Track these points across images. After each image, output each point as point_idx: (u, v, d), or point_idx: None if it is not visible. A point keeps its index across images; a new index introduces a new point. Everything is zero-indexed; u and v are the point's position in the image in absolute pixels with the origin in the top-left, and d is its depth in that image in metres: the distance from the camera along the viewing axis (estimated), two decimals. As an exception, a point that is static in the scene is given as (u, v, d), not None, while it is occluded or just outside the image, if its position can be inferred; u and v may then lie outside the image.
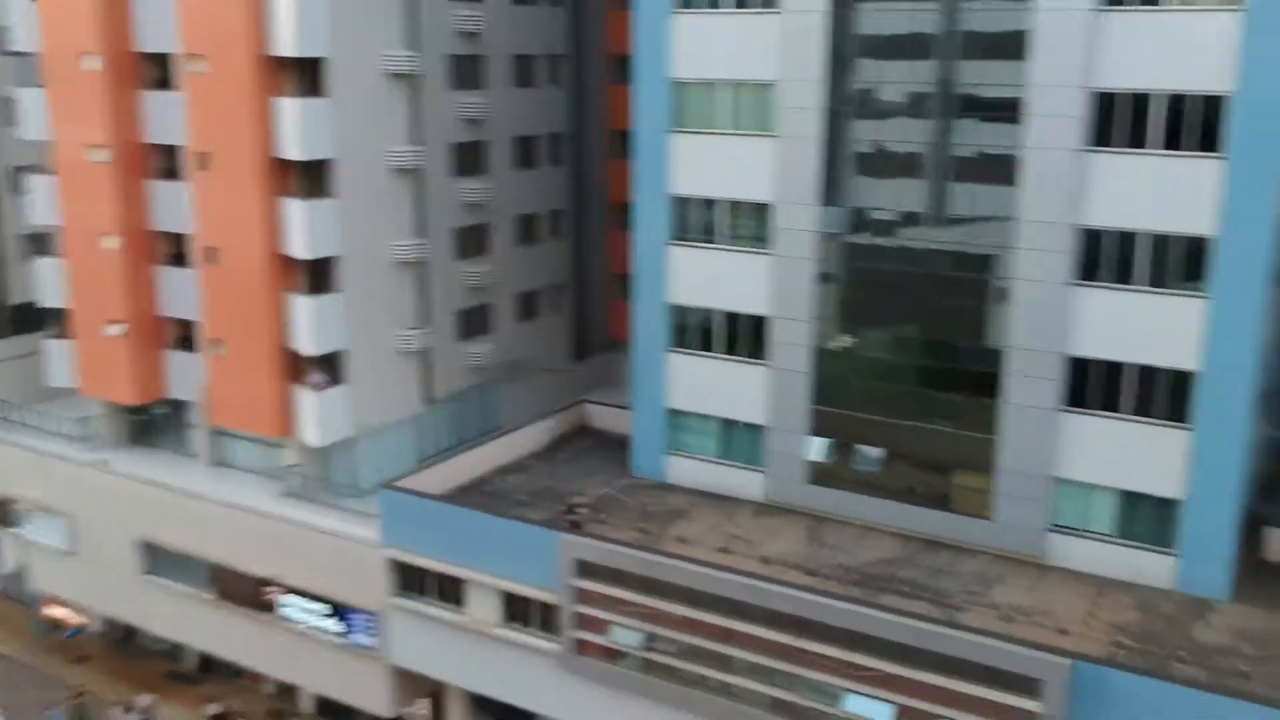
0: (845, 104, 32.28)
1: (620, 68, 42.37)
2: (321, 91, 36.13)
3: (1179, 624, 28.69)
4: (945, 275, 31.75)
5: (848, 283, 33.30)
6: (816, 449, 34.57)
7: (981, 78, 30.53)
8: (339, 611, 36.38)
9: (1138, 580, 30.53)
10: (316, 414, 37.72)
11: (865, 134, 32.22)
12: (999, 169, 30.37)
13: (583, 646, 31.85)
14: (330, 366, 38.13)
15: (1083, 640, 27.80)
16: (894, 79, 31.67)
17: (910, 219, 32.07)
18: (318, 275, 37.47)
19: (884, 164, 32.16)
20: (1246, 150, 27.41)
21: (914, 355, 32.85)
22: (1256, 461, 32.55)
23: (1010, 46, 29.70)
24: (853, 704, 27.92)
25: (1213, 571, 29.79)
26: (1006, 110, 29.97)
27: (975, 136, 30.80)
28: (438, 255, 40.88)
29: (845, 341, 33.76)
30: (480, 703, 36.78)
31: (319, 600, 36.65)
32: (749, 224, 34.32)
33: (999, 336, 31.16)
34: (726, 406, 35.90)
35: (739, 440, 36.04)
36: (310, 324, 37.08)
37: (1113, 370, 30.03)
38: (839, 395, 33.96)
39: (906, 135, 31.56)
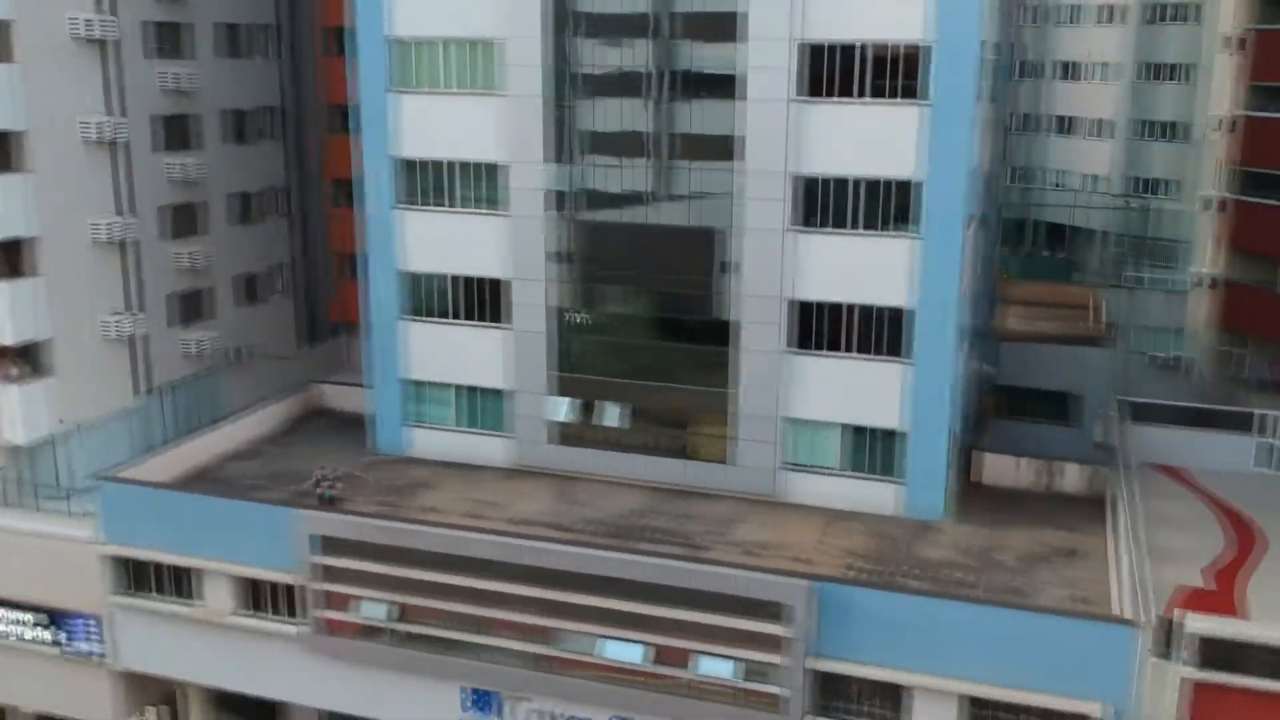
0: (571, 61, 32.44)
1: (337, 40, 41.03)
2: (2, 56, 33.09)
3: (906, 545, 30.52)
4: (675, 230, 32.48)
5: (583, 243, 33.51)
6: (561, 410, 34.61)
7: (697, 30, 31.43)
8: (54, 619, 33.41)
9: (867, 510, 32.26)
10: (17, 409, 34.52)
11: (592, 91, 32.52)
12: (720, 121, 31.33)
13: (330, 626, 30.58)
14: (31, 357, 34.98)
15: (820, 567, 29.10)
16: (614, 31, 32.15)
17: (640, 176, 32.59)
18: (11, 258, 34.29)
19: (612, 120, 32.54)
20: (945, 97, 29.42)
21: (649, 309, 33.45)
22: (967, 394, 35.11)
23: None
24: (610, 649, 28.09)
25: (933, 496, 31.86)
26: (725, 70, 30.99)
27: (697, 90, 31.66)
28: (147, 235, 38.28)
29: (583, 302, 33.96)
30: (224, 702, 34.70)
31: (31, 610, 33.53)
32: (480, 185, 33.97)
33: (729, 286, 32.14)
34: (467, 373, 35.41)
35: (482, 407, 35.63)
36: (4, 311, 33.87)
37: (835, 312, 31.56)
38: (580, 356, 34.14)
39: (629, 87, 32.12)
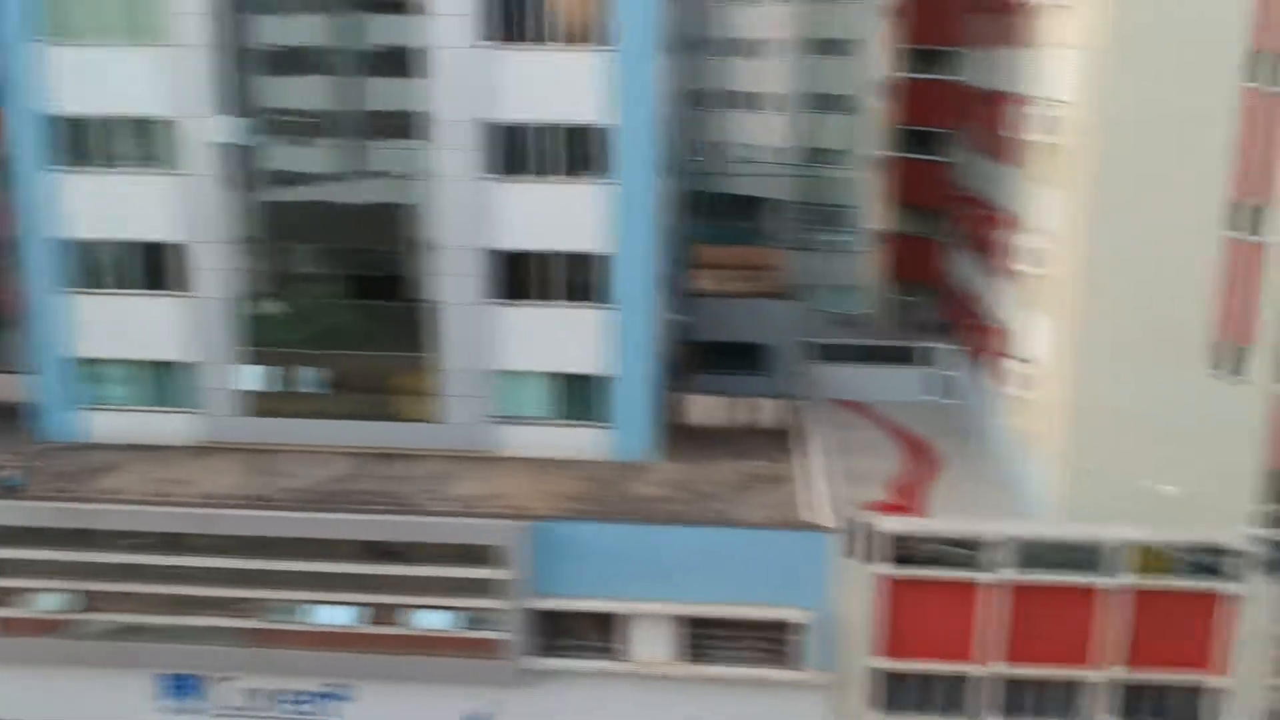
0: (239, 6, 30.74)
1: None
2: None
3: (618, 485, 30.95)
4: (364, 184, 31.50)
5: (266, 204, 31.87)
6: (250, 380, 32.80)
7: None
8: None
9: (579, 457, 32.48)
10: None
11: (268, 32, 30.98)
12: (406, 63, 30.65)
13: (6, 626, 27.63)
14: None
15: (535, 512, 29.01)
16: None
17: (322, 127, 31.38)
18: None
19: (291, 62, 31.17)
20: (630, 43, 29.96)
21: (341, 268, 32.29)
22: (667, 341, 36.07)
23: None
24: (322, 615, 26.90)
25: (641, 439, 32.50)
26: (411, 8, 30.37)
27: (381, 31, 30.85)
28: None
29: (269, 265, 32.31)
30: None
31: None
32: (147, 143, 31.61)
33: (425, 238, 31.50)
34: (145, 348, 32.92)
35: (165, 382, 33.22)
36: None
37: (534, 260, 31.57)
38: (271, 322, 32.49)
39: (312, 31, 30.85)
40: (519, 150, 30.89)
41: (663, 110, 31.80)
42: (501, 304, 31.77)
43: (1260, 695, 25.79)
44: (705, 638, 26.94)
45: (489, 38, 30.23)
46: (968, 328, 36.19)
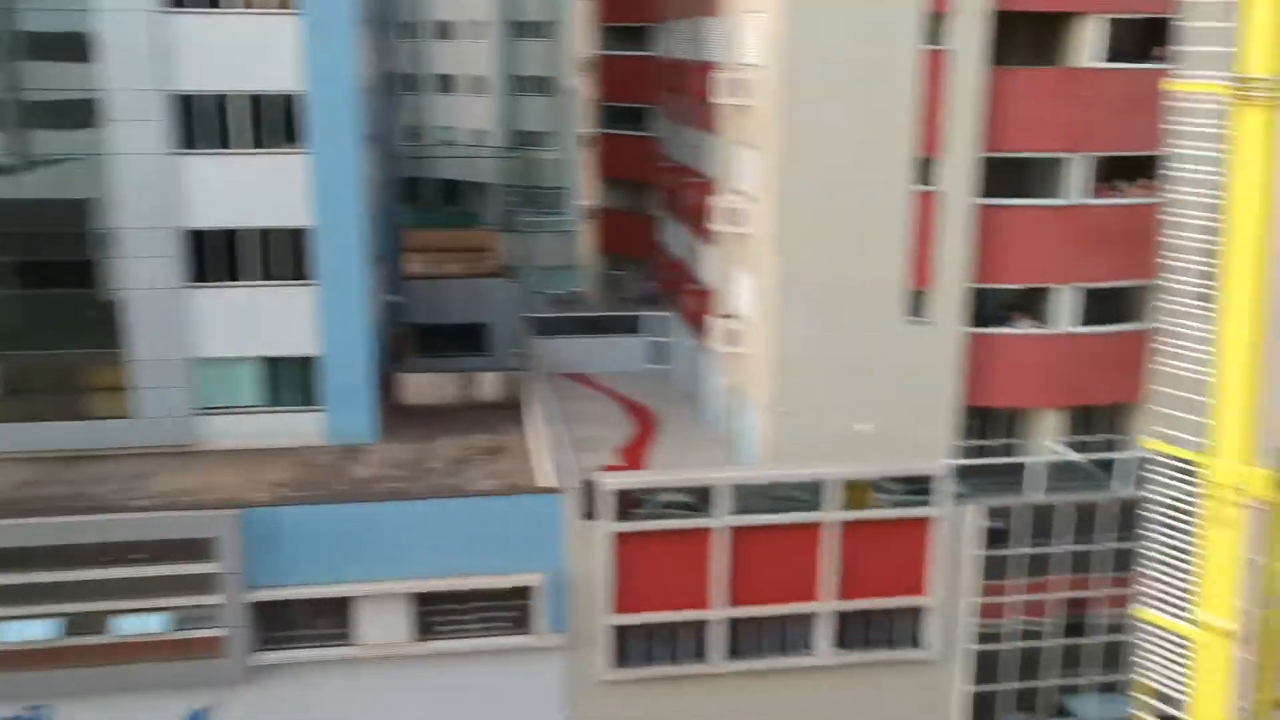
0: None
1: None
2: None
3: (337, 469, 29.79)
4: (36, 166, 28.81)
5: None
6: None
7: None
8: None
9: (294, 443, 31.02)
10: None
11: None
12: (75, 40, 28.25)
13: None
14: None
15: (247, 501, 27.49)
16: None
17: (-19, 102, 28.47)
18: None
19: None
20: (323, 8, 28.77)
21: (14, 257, 29.42)
22: (381, 320, 35.03)
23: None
24: (12, 632, 24.44)
25: (359, 420, 31.39)
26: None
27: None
28: None
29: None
30: None
31: None
32: None
33: (107, 222, 29.15)
34: None
35: None
36: None
37: (233, 238, 29.86)
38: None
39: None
40: (207, 122, 29.09)
41: (362, 80, 30.78)
42: (198, 287, 29.87)
43: (961, 611, 27.80)
44: (442, 613, 26.36)
45: (166, 3, 28.28)
46: (680, 293, 37.14)
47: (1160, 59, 28.76)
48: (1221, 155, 16.96)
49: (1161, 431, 18.78)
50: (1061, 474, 29.10)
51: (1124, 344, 30.24)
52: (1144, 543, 19.21)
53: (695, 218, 35.93)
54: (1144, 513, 19.14)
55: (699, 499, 26.39)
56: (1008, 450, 31.23)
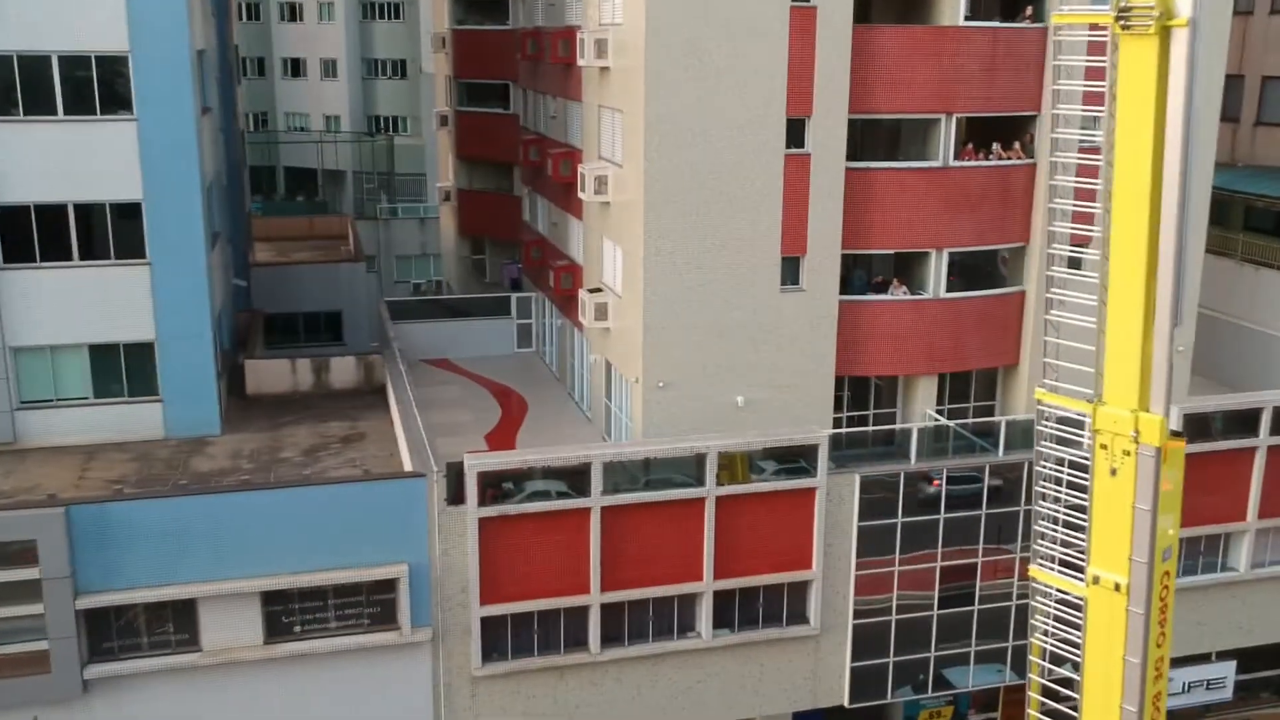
0: None
1: None
2: None
3: (178, 462, 27.47)
4: None
5: None
6: None
7: None
8: None
9: (131, 437, 28.51)
10: None
11: None
12: None
13: None
14: None
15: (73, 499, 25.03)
16: None
17: None
18: None
19: None
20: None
21: None
22: (226, 306, 32.65)
23: None
24: None
25: (202, 410, 29.03)
26: None
27: None
28: None
29: None
30: None
31: None
32: None
33: (-92, 197, 26.28)
34: None
35: None
36: None
37: (49, 214, 27.18)
38: None
39: None
40: (18, 85, 26.38)
41: (197, 44, 28.43)
42: (12, 269, 27.14)
43: (843, 584, 27.03)
44: (298, 613, 24.37)
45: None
46: (547, 272, 35.70)
47: (1028, 18, 28.55)
48: (1107, 92, 16.27)
49: (1051, 383, 18.10)
50: (938, 442, 28.61)
51: (996, 308, 29.97)
52: (1036, 501, 18.52)
53: (560, 190, 34.53)
54: (1037, 468, 18.43)
55: (571, 480, 24.96)
56: (883, 420, 30.71)
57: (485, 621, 25.07)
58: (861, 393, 30.78)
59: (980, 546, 27.81)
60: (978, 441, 28.12)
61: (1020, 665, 28.38)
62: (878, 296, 29.43)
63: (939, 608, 27.92)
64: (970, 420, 29.59)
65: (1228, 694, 31.19)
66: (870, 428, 28.79)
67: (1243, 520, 29.55)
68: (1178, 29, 14.97)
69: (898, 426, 28.47)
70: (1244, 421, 28.99)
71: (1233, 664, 31.19)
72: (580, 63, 29.79)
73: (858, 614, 27.39)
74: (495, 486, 24.82)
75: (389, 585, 24.40)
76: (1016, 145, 29.48)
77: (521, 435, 31.89)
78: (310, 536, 23.93)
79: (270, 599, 23.94)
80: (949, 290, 29.46)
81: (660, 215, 26.93)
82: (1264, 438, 28.85)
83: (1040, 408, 18.35)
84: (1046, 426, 18.35)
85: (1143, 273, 16.34)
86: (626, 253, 28.52)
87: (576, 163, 31.95)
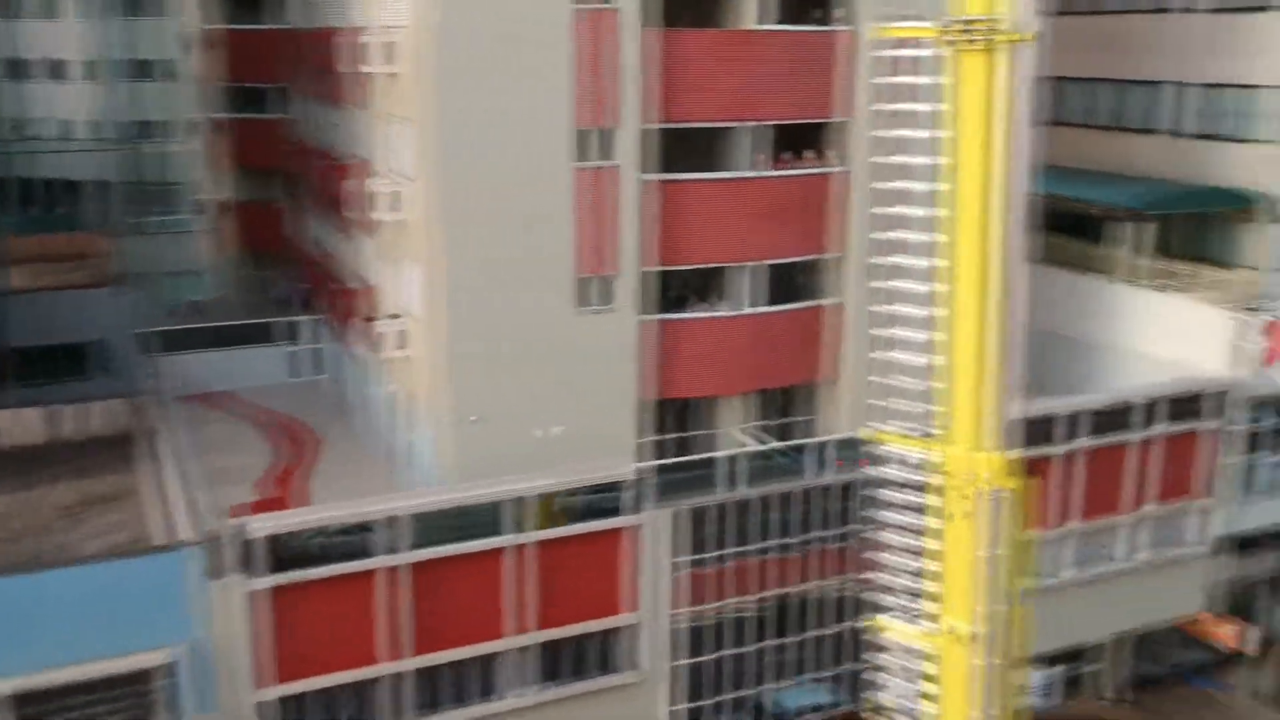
0: None
1: None
2: None
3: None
4: None
5: None
6: None
7: None
8: None
9: None
10: None
11: None
12: None
13: None
14: None
15: None
16: None
17: None
18: None
19: None
20: None
21: None
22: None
23: None
24: None
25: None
26: None
27: None
28: None
29: None
30: None
31: None
32: None
33: None
34: None
35: None
36: None
37: None
38: None
39: None
40: None
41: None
42: None
43: (666, 622, 25.48)
44: (60, 711, 20.84)
45: None
46: (332, 293, 32.78)
47: (824, 20, 27.59)
48: (936, 109, 15.02)
49: (883, 422, 16.83)
50: (756, 465, 27.37)
51: (811, 322, 29.01)
52: (875, 547, 17.26)
53: (343, 206, 31.65)
54: (877, 515, 17.16)
55: (365, 531, 22.40)
56: (698, 443, 29.32)
57: (279, 703, 22.23)
58: (677, 414, 29.30)
59: (806, 563, 26.74)
60: (800, 461, 27.00)
61: (855, 689, 27.59)
62: (687, 314, 27.98)
63: (767, 636, 26.73)
64: (791, 443, 28.37)
65: (1056, 699, 31.29)
66: (684, 458, 27.26)
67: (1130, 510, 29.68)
68: (1017, 45, 13.85)
69: (717, 454, 27.06)
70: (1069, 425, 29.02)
71: (1060, 669, 31.24)
72: (364, 69, 27.06)
73: (681, 653, 25.85)
74: (278, 548, 21.98)
75: (162, 672, 21.23)
76: (824, 152, 28.54)
77: (310, 481, 28.99)
78: (63, 625, 20.52)
79: (24, 701, 20.36)
80: (762, 304, 28.29)
81: (456, 235, 24.67)
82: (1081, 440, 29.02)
83: (872, 449, 17.10)
84: (881, 466, 17.13)
85: (981, 297, 15.24)
86: (421, 275, 26.08)
87: (364, 177, 29.20)
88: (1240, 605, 34.39)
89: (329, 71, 31.45)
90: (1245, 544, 32.26)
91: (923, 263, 15.92)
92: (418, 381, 26.97)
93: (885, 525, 17.09)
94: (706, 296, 28.28)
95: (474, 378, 25.19)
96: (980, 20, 13.84)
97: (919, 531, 16.73)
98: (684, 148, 28.00)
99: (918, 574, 16.75)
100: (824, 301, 29.09)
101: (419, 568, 22.63)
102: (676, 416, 29.23)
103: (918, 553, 16.75)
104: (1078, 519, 29.21)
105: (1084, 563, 29.78)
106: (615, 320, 26.63)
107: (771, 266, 28.36)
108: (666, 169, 26.83)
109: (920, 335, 16.00)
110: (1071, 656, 31.79)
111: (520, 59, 24.32)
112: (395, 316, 27.64)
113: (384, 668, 22.90)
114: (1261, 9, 32.21)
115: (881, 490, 16.97)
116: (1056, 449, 28.36)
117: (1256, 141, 33.09)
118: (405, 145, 26.27)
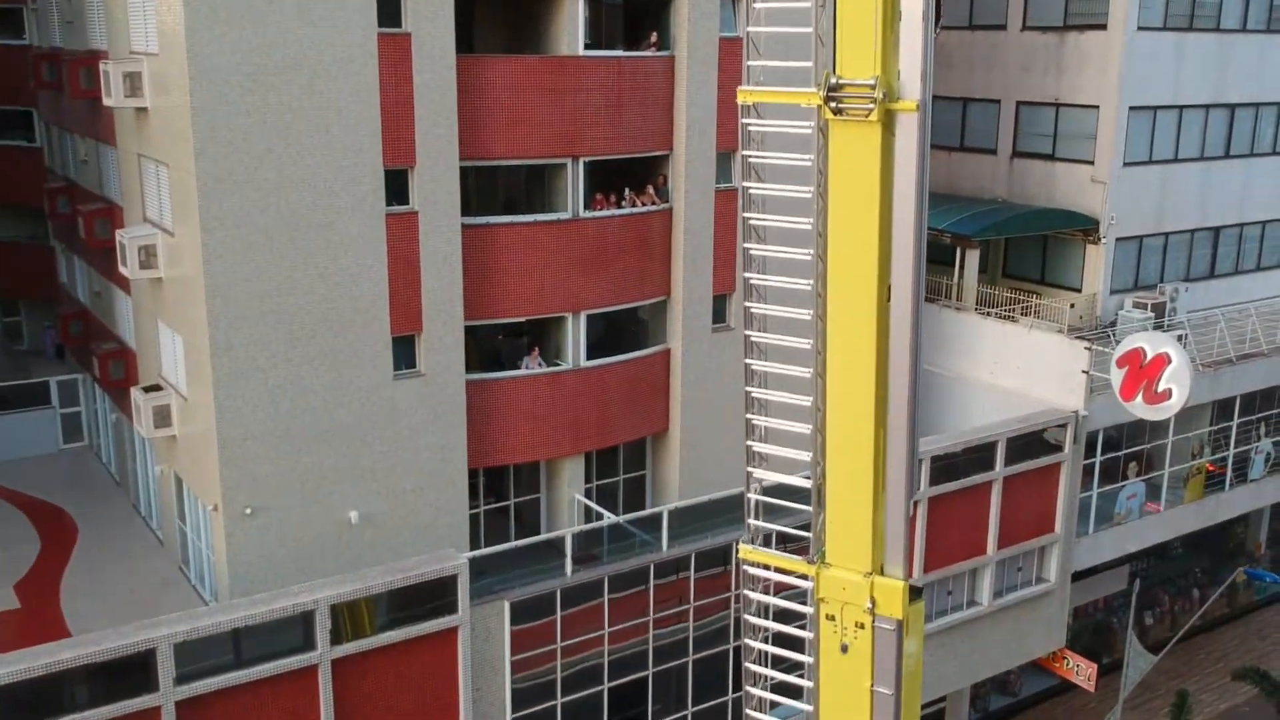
0: None
1: None
2: None
3: None
4: None
5: None
6: None
7: None
8: None
9: None
10: None
11: None
12: None
13: None
14: None
15: None
16: None
17: None
18: None
19: None
20: None
21: None
22: None
23: None
24: None
25: None
26: None
27: None
28: None
29: None
30: None
31: None
32: None
33: None
34: None
35: None
36: None
37: None
38: None
39: None
40: None
41: None
42: None
43: (504, 732, 22.38)
44: None
45: None
46: (94, 351, 28.29)
47: (655, 46, 25.01)
48: (812, 171, 12.42)
49: (758, 537, 14.19)
50: (596, 538, 24.56)
51: (643, 372, 26.40)
52: (746, 681, 14.56)
53: (101, 255, 27.28)
54: (745, 642, 14.46)
55: (128, 667, 18.45)
56: (529, 508, 26.32)
57: None
58: (498, 482, 26.23)
59: (650, 649, 24.05)
60: (639, 535, 24.27)
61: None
62: (509, 373, 24.93)
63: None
64: (632, 515, 25.47)
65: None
66: (516, 542, 24.12)
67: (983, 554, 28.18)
68: (903, 114, 11.33)
69: (550, 535, 24.03)
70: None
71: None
72: (107, 101, 22.90)
73: (524, 766, 22.80)
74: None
75: None
76: (650, 189, 25.94)
77: (68, 578, 24.62)
78: None
79: None
80: (590, 357, 25.49)
81: (228, 297, 20.91)
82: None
83: (745, 569, 14.41)
84: (753, 588, 14.47)
85: (871, 383, 12.71)
86: (189, 344, 22.20)
87: (116, 224, 24.99)
88: (1084, 618, 33.88)
89: (76, 99, 26.97)
90: (1087, 575, 31.63)
91: (799, 345, 13.23)
92: (190, 465, 23.12)
93: (756, 657, 14.38)
94: (543, 352, 25.29)
95: (254, 463, 21.52)
96: (855, 85, 11.26)
97: (798, 663, 14.11)
98: (499, 187, 24.98)
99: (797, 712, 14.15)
100: (655, 349, 26.52)
101: (195, 704, 18.80)
102: (499, 483, 26.20)
103: (796, 686, 14.15)
104: (939, 566, 27.50)
105: (945, 610, 28.17)
106: (434, 383, 23.44)
107: (600, 315, 25.61)
108: (479, 212, 23.75)
109: (798, 430, 13.37)
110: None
111: (306, 91, 20.84)
112: (158, 389, 23.61)
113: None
114: (1094, 27, 31.27)
115: (755, 616, 14.26)
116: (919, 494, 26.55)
117: (1087, 162, 32.23)
118: (164, 191, 22.34)
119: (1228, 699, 34.88)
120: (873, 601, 13.15)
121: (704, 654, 24.13)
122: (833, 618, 13.44)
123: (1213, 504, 33.58)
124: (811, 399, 13.00)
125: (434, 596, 21.00)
